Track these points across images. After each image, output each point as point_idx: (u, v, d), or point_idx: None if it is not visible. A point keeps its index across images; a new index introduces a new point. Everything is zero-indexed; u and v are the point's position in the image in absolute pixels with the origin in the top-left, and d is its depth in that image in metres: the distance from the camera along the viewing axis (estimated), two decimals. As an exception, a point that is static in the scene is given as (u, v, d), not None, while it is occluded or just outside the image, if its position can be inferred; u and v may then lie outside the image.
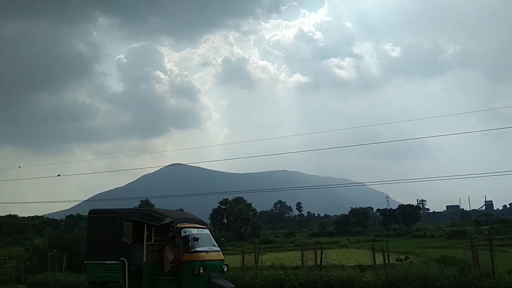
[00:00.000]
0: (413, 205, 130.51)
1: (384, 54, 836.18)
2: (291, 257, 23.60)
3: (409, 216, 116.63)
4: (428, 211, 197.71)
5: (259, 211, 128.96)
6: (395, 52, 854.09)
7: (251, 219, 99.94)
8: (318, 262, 15.93)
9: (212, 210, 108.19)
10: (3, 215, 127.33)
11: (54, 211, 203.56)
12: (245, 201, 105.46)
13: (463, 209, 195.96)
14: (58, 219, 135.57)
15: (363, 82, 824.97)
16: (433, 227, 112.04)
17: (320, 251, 16.18)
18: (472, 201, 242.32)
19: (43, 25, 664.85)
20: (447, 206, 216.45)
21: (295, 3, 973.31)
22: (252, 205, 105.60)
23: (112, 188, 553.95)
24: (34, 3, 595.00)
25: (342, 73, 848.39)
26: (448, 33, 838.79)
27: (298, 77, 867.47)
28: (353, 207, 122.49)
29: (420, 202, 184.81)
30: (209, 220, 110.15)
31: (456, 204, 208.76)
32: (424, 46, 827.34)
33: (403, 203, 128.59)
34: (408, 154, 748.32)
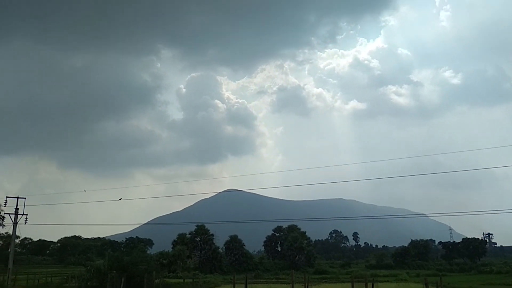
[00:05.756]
0: (478, 238, 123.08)
1: (445, 81, 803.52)
2: (345, 289, 23.05)
3: (474, 250, 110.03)
4: (495, 245, 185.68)
5: (313, 240, 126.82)
6: (457, 79, 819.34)
7: (305, 248, 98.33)
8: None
9: (266, 237, 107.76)
10: (69, 236, 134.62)
11: (115, 233, 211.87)
12: (299, 229, 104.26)
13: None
14: (118, 241, 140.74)
15: (423, 109, 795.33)
16: (500, 262, 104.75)
17: (371, 284, 15.83)
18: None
19: (110, 57, 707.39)
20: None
21: (352, 32, 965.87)
22: (306, 233, 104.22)
23: (170, 212, 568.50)
24: (102, 36, 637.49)
25: (400, 100, 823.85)
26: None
27: (354, 104, 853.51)
28: (413, 239, 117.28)
29: (486, 235, 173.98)
30: (263, 247, 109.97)
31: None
32: (487, 73, 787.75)
33: (468, 236, 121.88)
34: (473, 184, 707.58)
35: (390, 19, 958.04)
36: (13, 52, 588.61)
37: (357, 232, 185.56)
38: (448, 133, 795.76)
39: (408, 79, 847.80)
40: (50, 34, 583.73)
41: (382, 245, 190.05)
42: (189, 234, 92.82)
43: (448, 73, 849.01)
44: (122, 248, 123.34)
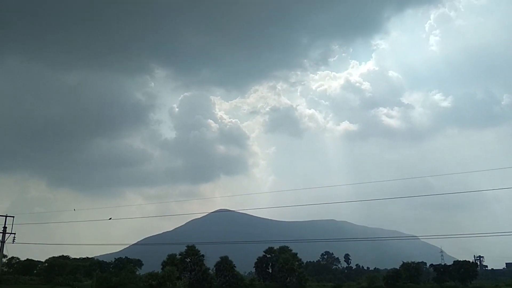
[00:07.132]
0: (469, 261, 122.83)
1: (435, 104, 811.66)
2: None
3: (465, 273, 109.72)
4: (486, 268, 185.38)
5: (305, 261, 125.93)
6: (446, 102, 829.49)
7: (297, 269, 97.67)
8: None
9: (257, 259, 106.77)
10: (57, 255, 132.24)
11: (104, 253, 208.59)
12: (290, 250, 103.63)
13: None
14: (107, 261, 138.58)
15: (414, 132, 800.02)
16: (491, 285, 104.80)
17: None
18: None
19: (104, 75, 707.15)
20: (506, 264, 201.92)
21: (344, 55, 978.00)
22: (298, 255, 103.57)
23: (160, 232, 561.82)
24: (97, 55, 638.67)
25: (391, 122, 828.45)
26: (501, 83, 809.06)
27: (346, 125, 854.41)
28: (405, 261, 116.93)
29: (478, 258, 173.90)
30: (254, 268, 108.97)
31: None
32: (477, 96, 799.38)
33: (459, 259, 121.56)
34: (464, 206, 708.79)
35: (381, 43, 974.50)
36: (5, 68, 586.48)
37: (349, 254, 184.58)
38: (438, 155, 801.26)
39: (399, 101, 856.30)
40: (44, 51, 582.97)
41: (374, 267, 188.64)
42: (179, 254, 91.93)
43: (438, 96, 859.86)
44: (110, 269, 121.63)
